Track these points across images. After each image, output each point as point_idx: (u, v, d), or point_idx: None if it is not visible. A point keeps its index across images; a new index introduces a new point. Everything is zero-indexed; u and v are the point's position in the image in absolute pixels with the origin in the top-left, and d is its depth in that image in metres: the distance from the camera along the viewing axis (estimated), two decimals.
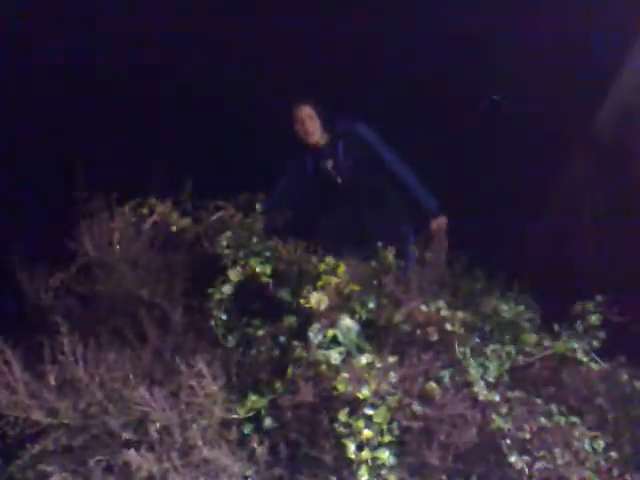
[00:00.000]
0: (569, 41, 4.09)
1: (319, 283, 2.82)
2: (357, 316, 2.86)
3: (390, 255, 3.09)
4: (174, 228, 3.48)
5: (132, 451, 2.63)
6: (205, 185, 3.52)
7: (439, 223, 3.98)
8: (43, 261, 3.35)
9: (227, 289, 3.08)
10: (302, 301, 2.77)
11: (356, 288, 2.90)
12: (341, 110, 4.07)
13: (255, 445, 2.62)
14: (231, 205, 3.56)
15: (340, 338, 2.75)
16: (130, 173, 3.80)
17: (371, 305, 2.89)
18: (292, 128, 4.08)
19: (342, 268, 2.90)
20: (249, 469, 2.60)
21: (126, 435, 2.74)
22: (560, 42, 4.15)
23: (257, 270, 2.99)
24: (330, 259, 2.94)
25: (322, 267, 2.91)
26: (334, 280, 2.82)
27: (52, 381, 2.85)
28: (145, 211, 3.55)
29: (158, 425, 2.71)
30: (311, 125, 4.02)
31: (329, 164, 4.06)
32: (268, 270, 3.00)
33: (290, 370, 2.70)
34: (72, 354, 2.87)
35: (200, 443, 2.63)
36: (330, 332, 2.74)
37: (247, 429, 2.70)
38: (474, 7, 4.13)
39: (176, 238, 3.49)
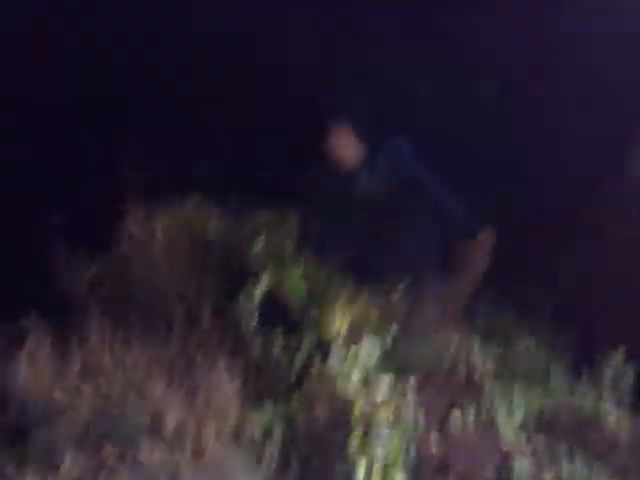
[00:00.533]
0: None
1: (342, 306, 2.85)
2: (381, 341, 2.87)
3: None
4: (211, 230, 3.53)
5: (146, 445, 2.65)
6: (249, 187, 3.58)
7: (481, 243, 3.88)
8: (84, 247, 3.42)
9: (257, 295, 3.12)
10: (326, 320, 2.79)
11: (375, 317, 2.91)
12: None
13: (267, 453, 2.63)
14: (269, 211, 3.59)
15: (361, 359, 2.77)
16: (177, 167, 3.91)
17: (394, 332, 2.89)
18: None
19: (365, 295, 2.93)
20: (259, 476, 2.61)
21: (142, 425, 2.77)
22: None
23: (286, 285, 3.01)
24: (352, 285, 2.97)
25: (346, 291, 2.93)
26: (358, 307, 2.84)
27: (77, 364, 2.91)
28: (186, 209, 3.60)
29: (173, 420, 2.74)
30: (347, 148, 3.96)
31: (364, 181, 3.98)
32: (298, 286, 3.02)
33: (308, 385, 2.72)
34: (101, 340, 2.93)
35: (212, 444, 2.65)
36: (352, 351, 2.75)
37: (260, 436, 2.71)
38: None
39: (214, 238, 3.54)
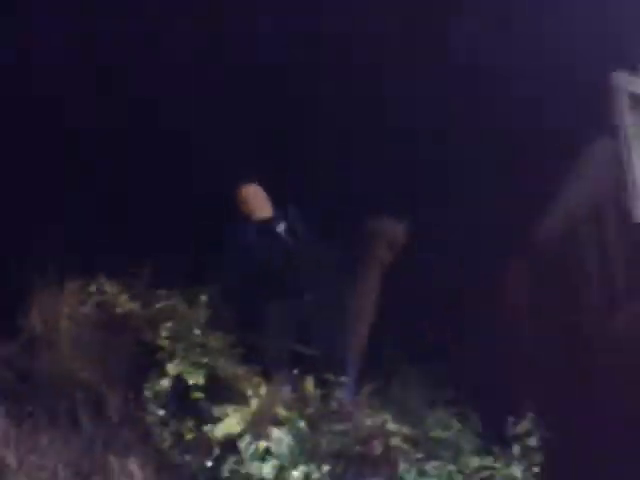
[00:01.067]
0: None
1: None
2: (290, 429, 2.91)
3: (310, 386, 3.15)
4: (119, 310, 3.48)
5: None
6: (161, 266, 3.57)
7: None
8: None
9: (164, 383, 3.10)
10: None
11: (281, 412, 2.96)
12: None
13: None
14: (177, 294, 3.55)
15: (273, 450, 2.79)
16: (83, 247, 3.87)
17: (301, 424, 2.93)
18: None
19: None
20: None
21: None
22: None
23: (190, 382, 3.01)
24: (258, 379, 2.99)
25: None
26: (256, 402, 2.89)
27: None
28: (93, 289, 3.55)
29: None
30: (257, 202, 4.09)
31: (280, 230, 4.08)
32: (200, 380, 3.04)
33: None
34: (5, 437, 2.85)
35: None
36: (262, 445, 2.77)
37: None
38: None
39: (121, 321, 3.50)
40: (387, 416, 3.03)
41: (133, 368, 3.31)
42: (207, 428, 2.90)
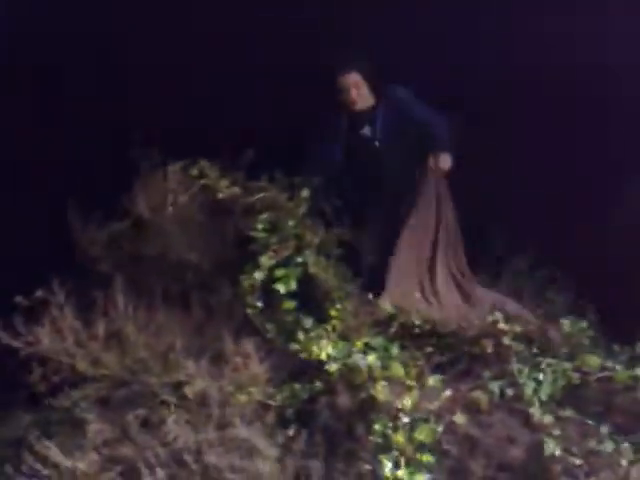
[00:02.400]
0: None
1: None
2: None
3: None
4: (222, 195, 3.50)
5: (171, 420, 2.75)
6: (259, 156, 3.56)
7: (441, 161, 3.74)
8: (97, 213, 3.42)
9: (259, 275, 3.17)
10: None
11: None
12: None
13: (291, 433, 2.78)
14: (275, 187, 3.52)
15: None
16: (188, 131, 3.88)
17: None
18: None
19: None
20: (283, 454, 2.74)
21: (166, 396, 2.88)
22: None
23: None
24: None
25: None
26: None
27: (101, 332, 2.97)
28: (195, 172, 3.59)
29: (198, 394, 2.84)
30: (357, 94, 3.86)
31: (367, 130, 3.91)
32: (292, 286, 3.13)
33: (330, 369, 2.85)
34: (124, 309, 2.99)
35: (237, 420, 2.77)
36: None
37: (284, 417, 2.84)
38: None
39: (223, 206, 3.56)
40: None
41: (235, 256, 3.42)
42: None
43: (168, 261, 3.35)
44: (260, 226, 3.34)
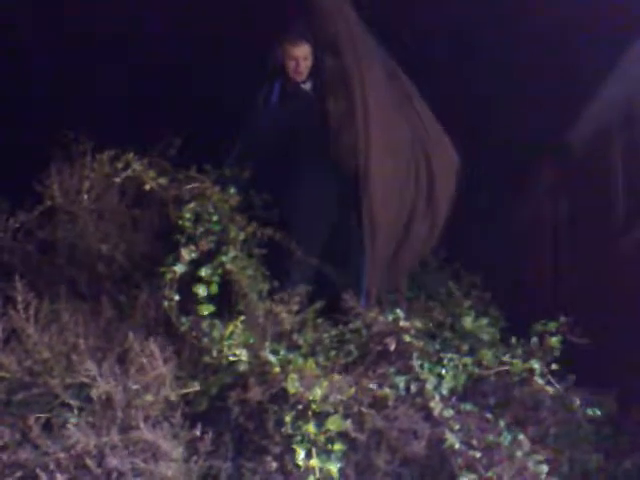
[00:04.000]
0: None
1: None
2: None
3: None
4: (147, 187, 3.36)
5: (71, 425, 2.61)
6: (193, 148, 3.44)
7: None
8: (7, 200, 3.27)
9: (179, 268, 3.02)
10: None
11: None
12: None
13: (198, 433, 2.63)
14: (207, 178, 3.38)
15: None
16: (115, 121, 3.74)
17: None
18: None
19: None
20: (189, 455, 2.61)
21: (68, 399, 2.72)
22: None
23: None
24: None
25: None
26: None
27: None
28: (120, 164, 3.43)
29: (101, 396, 2.69)
30: (305, 66, 3.73)
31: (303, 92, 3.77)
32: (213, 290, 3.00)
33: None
34: (25, 308, 2.82)
35: (141, 423, 2.62)
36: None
37: (191, 416, 2.70)
38: None
39: (148, 197, 3.41)
40: (399, 313, 2.99)
41: (158, 245, 3.26)
42: None
43: (79, 252, 3.19)
44: (187, 215, 3.18)
